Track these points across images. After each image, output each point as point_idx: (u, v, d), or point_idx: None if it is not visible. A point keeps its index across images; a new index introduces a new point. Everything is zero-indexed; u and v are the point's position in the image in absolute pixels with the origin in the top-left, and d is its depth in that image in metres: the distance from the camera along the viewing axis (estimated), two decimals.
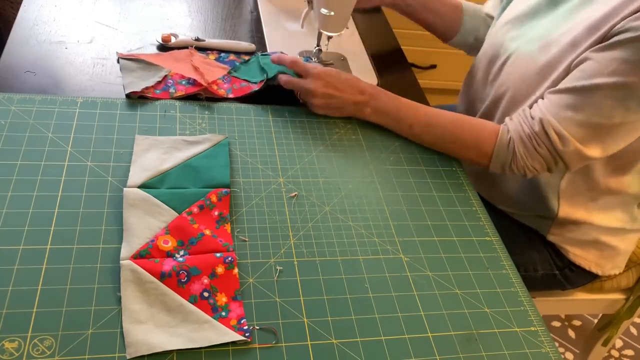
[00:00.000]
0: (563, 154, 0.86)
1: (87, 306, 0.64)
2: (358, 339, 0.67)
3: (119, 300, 0.64)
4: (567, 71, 0.87)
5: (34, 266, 0.66)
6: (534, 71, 0.93)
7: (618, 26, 0.81)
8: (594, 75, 0.82)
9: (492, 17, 1.15)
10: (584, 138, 0.84)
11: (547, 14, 0.96)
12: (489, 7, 1.17)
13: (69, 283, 0.65)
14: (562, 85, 0.86)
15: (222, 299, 0.67)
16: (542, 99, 0.89)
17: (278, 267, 0.72)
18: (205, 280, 0.68)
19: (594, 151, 0.85)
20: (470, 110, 1.11)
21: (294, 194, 0.83)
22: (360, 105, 0.94)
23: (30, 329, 0.60)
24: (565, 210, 0.99)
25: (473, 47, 1.18)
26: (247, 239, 0.75)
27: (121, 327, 0.62)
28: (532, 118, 0.88)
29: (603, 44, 0.82)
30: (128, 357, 0.60)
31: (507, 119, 0.92)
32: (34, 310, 0.62)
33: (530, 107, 0.90)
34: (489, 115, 1.03)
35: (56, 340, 0.60)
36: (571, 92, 0.85)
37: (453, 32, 1.18)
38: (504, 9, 1.09)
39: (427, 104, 1.08)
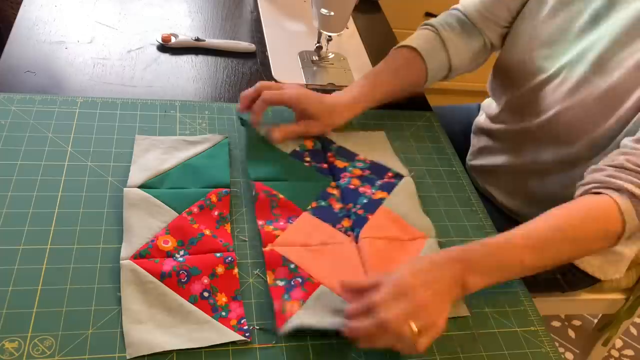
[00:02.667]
0: None
1: (87, 306, 0.64)
2: None
3: (119, 300, 0.64)
4: None
5: (34, 266, 0.66)
6: (592, 97, 0.86)
7: None
8: None
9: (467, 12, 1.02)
10: None
11: (589, 31, 0.88)
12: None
13: (69, 283, 0.65)
14: None
15: (222, 299, 0.67)
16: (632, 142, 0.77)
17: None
18: (205, 280, 0.68)
19: None
20: (512, 120, 1.04)
21: None
22: (460, 281, 0.68)
23: (30, 329, 0.60)
24: None
25: (449, 76, 1.03)
26: (247, 239, 0.75)
27: (121, 327, 0.62)
28: None
29: None
30: (128, 357, 0.60)
31: (611, 179, 0.74)
32: (34, 310, 0.62)
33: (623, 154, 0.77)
34: (541, 134, 0.96)
35: (56, 340, 0.60)
36: None
37: (420, 87, 1.02)
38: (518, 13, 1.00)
39: (427, 103, 1.09)
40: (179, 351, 0.61)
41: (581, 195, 0.76)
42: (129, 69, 0.99)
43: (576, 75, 0.89)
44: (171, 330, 0.63)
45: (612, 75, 0.84)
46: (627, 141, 0.78)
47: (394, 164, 0.91)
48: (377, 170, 0.88)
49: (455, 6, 1.05)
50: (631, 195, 0.72)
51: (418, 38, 0.99)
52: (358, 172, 0.87)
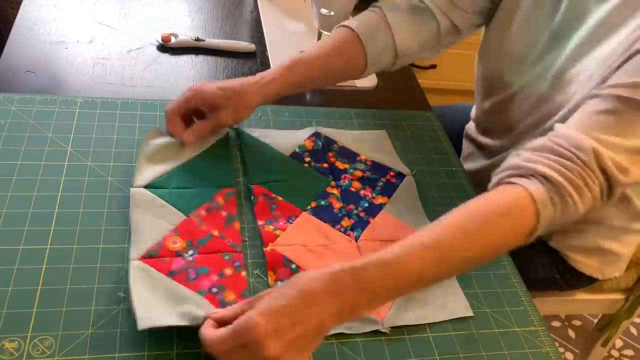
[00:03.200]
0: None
1: (87, 306, 0.64)
2: (358, 339, 0.67)
3: (119, 300, 0.64)
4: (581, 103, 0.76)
5: (34, 266, 0.66)
6: (548, 110, 0.86)
7: (635, 47, 0.70)
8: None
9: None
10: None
11: (551, 50, 0.88)
12: None
13: (69, 283, 0.65)
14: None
15: (230, 296, 0.67)
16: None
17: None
18: (214, 278, 0.68)
19: None
20: (490, 133, 1.05)
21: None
22: (346, 307, 0.58)
23: (30, 329, 0.60)
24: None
25: (396, 63, 0.94)
26: (247, 239, 0.75)
27: (121, 327, 0.62)
28: (580, 149, 0.66)
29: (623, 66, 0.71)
30: (139, 328, 0.59)
31: (519, 169, 0.68)
32: (34, 310, 0.62)
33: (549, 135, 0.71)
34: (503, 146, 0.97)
35: (56, 340, 0.60)
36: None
37: (360, 72, 0.92)
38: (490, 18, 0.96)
39: (427, 104, 1.09)
40: (179, 351, 0.61)
41: (495, 185, 0.69)
42: (129, 69, 0.99)
43: (536, 94, 0.89)
44: (180, 310, 0.63)
45: (569, 89, 0.84)
46: (556, 125, 0.72)
47: (396, 163, 0.91)
48: (378, 170, 0.89)
49: None
50: (544, 179, 0.65)
51: (359, 19, 0.91)
52: (359, 173, 0.87)
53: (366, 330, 0.67)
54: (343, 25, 0.90)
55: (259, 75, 0.85)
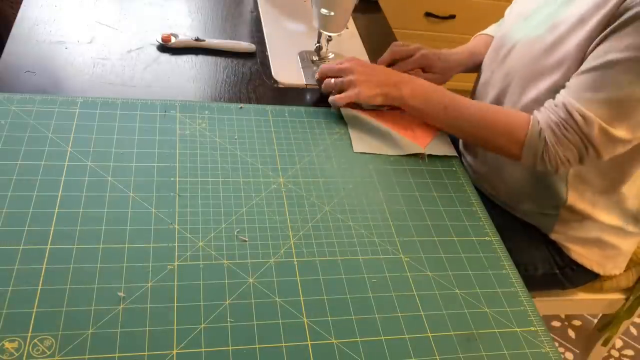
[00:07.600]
0: (590, 137, 0.85)
1: (87, 306, 0.64)
2: (358, 339, 0.67)
3: (119, 300, 0.65)
4: (578, 48, 0.88)
5: (34, 266, 0.66)
6: (540, 51, 0.94)
7: (627, 1, 0.81)
8: (608, 52, 0.83)
9: None
10: (608, 117, 0.84)
11: (549, 3, 0.97)
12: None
13: (69, 283, 0.65)
14: (580, 69, 0.87)
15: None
16: (563, 87, 0.90)
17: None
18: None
19: (621, 131, 0.84)
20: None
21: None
22: (400, 85, 0.95)
23: (30, 329, 0.61)
24: (574, 198, 0.99)
25: None
26: (247, 239, 0.75)
27: (121, 327, 0.62)
28: (556, 106, 0.88)
29: (615, 23, 0.82)
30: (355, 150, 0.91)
31: (535, 111, 0.91)
32: (34, 310, 0.62)
33: (554, 98, 0.90)
34: (498, 103, 1.03)
35: (56, 340, 0.60)
36: (588, 72, 0.85)
37: None
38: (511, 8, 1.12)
39: None
40: (179, 351, 0.62)
41: None
42: (129, 69, 0.99)
43: (533, 38, 0.97)
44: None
45: (559, 30, 0.92)
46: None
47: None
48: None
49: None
50: (541, 123, 0.89)
51: (488, 30, 1.20)
52: None
53: (411, 153, 0.94)
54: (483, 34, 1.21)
55: (465, 53, 1.15)
